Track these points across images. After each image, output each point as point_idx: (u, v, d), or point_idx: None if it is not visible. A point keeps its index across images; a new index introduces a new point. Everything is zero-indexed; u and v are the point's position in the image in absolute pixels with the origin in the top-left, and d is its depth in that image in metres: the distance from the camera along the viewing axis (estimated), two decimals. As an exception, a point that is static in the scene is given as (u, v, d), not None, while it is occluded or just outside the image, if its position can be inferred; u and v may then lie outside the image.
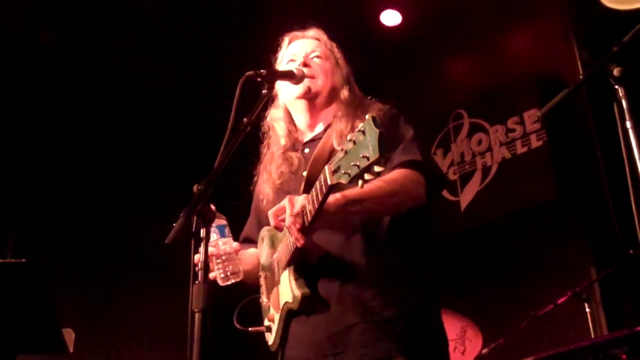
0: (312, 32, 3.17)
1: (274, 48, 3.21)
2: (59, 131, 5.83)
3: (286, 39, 3.18)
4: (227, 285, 2.74)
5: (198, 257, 2.24)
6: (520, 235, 6.02)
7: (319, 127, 3.02)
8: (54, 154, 5.76)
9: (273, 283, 2.85)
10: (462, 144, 6.82)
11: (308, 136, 3.05)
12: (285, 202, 2.54)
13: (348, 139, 2.14)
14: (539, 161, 6.20)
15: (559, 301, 4.76)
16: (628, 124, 2.27)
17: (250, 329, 2.98)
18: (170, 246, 2.21)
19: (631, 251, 4.60)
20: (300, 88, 2.94)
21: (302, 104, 3.00)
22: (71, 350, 3.22)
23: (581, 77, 2.42)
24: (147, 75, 6.40)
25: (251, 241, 3.18)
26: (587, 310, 4.79)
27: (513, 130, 6.45)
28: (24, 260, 2.86)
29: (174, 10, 5.94)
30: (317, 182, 2.36)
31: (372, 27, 6.23)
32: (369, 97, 3.05)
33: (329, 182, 2.24)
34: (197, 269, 2.20)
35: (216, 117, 5.75)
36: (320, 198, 2.35)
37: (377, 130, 2.03)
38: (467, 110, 6.87)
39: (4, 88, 5.56)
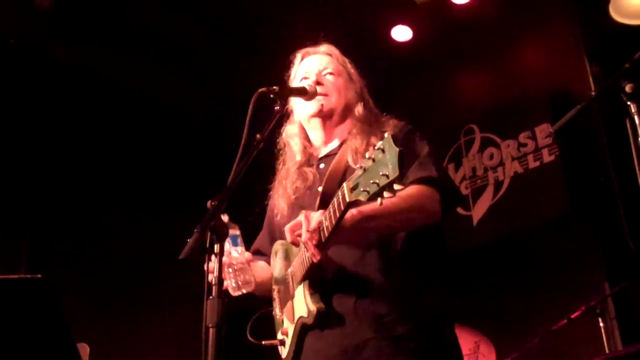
0: (324, 47, 3.18)
1: (287, 64, 3.22)
2: (73, 145, 5.86)
3: (298, 56, 3.19)
4: (239, 295, 2.76)
5: (212, 266, 2.25)
6: (533, 250, 6.00)
7: (334, 143, 3.03)
8: (68, 167, 5.79)
9: (287, 297, 2.86)
10: (473, 158, 6.81)
11: (323, 152, 3.06)
12: (301, 217, 2.55)
13: (367, 156, 2.15)
14: (551, 176, 6.18)
15: (573, 316, 4.75)
16: (641, 140, 2.28)
17: (263, 342, 2.98)
18: (185, 261, 2.22)
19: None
20: (314, 106, 2.96)
21: (317, 122, 3.02)
22: (86, 365, 3.22)
23: (593, 92, 2.43)
24: (160, 91, 6.43)
25: (262, 254, 3.20)
26: (601, 325, 4.77)
27: (525, 145, 6.45)
28: (39, 275, 2.87)
29: (187, 26, 5.98)
30: (335, 199, 2.37)
31: (383, 42, 6.26)
32: (384, 114, 3.06)
33: (347, 200, 2.26)
34: (211, 283, 2.21)
35: (230, 133, 5.78)
36: (337, 215, 2.37)
37: (397, 149, 2.05)
38: (478, 125, 6.87)
39: (19, 102, 5.60)
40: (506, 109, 6.63)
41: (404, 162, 2.05)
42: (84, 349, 3.21)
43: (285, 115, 3.15)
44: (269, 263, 3.14)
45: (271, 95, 2.67)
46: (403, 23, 6.19)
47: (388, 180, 2.05)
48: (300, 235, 2.54)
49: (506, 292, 5.93)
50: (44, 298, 2.84)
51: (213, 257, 2.35)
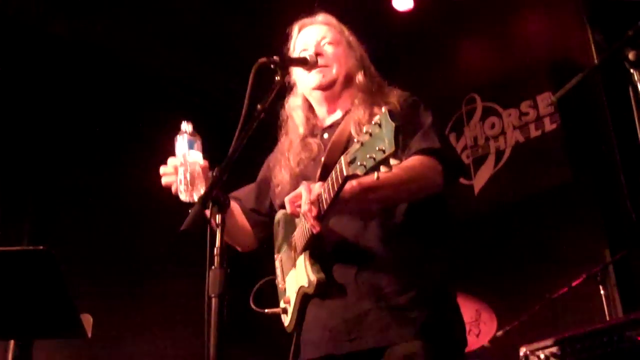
0: (321, 17, 3.15)
1: (286, 36, 3.21)
2: (74, 119, 5.85)
3: (296, 27, 3.16)
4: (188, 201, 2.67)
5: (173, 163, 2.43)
6: (534, 218, 6.02)
7: (338, 113, 3.02)
8: (69, 143, 5.78)
9: (289, 266, 2.88)
10: (475, 127, 6.81)
11: (327, 122, 3.05)
12: (301, 188, 2.56)
13: (364, 130, 2.16)
14: (552, 145, 6.18)
15: (574, 283, 4.77)
16: (644, 108, 2.27)
17: (266, 310, 3.00)
18: (187, 232, 2.23)
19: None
20: (315, 78, 2.95)
21: (319, 94, 3.02)
22: (89, 335, 3.24)
23: (596, 60, 2.42)
24: (160, 64, 6.41)
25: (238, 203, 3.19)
26: (602, 292, 4.78)
27: (526, 114, 6.44)
28: (42, 247, 2.88)
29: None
30: (333, 172, 2.38)
31: (384, 12, 6.22)
32: (387, 83, 3.04)
33: (345, 173, 2.26)
34: (214, 253, 2.22)
35: (231, 104, 5.77)
36: (336, 188, 2.38)
37: (394, 124, 2.06)
38: (479, 94, 6.86)
39: (19, 78, 5.58)
40: (508, 78, 6.60)
41: (404, 130, 2.05)
42: (87, 320, 3.23)
43: (288, 87, 3.15)
44: (244, 214, 3.16)
45: (271, 66, 2.66)
46: (404, -8, 6.14)
47: (384, 155, 2.07)
48: (300, 206, 2.55)
49: (507, 260, 5.96)
50: (47, 269, 2.86)
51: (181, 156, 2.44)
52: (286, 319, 2.88)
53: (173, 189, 2.73)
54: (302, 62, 2.90)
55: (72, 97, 5.87)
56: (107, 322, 4.76)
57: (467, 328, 4.83)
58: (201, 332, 2.13)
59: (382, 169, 2.11)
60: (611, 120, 5.63)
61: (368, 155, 2.12)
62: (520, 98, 6.53)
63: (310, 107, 3.13)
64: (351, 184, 2.41)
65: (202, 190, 2.63)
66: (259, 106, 2.52)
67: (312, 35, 3.07)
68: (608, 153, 5.67)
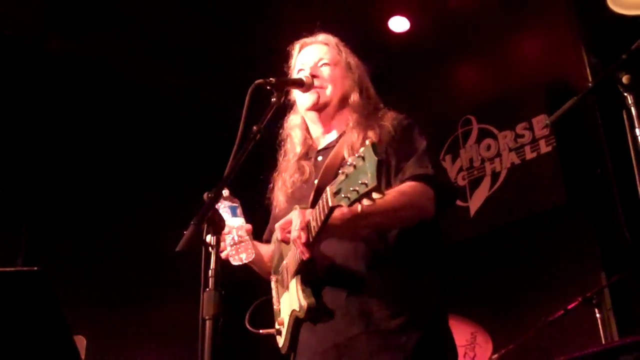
0: (322, 37, 3.17)
1: (284, 55, 3.22)
2: (69, 137, 5.85)
3: (297, 46, 3.18)
4: (239, 265, 2.79)
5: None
6: (530, 240, 6.01)
7: (332, 135, 3.03)
8: (64, 161, 5.78)
9: (283, 288, 2.88)
10: (471, 149, 6.82)
11: (322, 144, 3.07)
12: (292, 215, 2.60)
13: (349, 162, 2.18)
14: (548, 167, 6.20)
15: (569, 307, 4.75)
16: (637, 131, 2.27)
17: (261, 330, 3.00)
18: (181, 254, 2.22)
19: (641, 256, 4.60)
20: (309, 99, 2.97)
21: (313, 114, 3.03)
22: (83, 357, 3.22)
23: (590, 84, 2.42)
24: (156, 83, 6.42)
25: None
26: (598, 315, 4.77)
27: (522, 136, 6.45)
28: (35, 268, 2.87)
29: (183, 17, 5.95)
30: (320, 201, 2.41)
31: (381, 33, 6.24)
32: (383, 106, 3.04)
33: (330, 204, 2.29)
34: (208, 275, 2.22)
35: (227, 125, 5.77)
36: (322, 217, 2.41)
37: (376, 159, 2.08)
38: (475, 116, 6.87)
39: (14, 95, 5.59)
40: (503, 100, 6.63)
41: (400, 152, 2.05)
42: (81, 341, 3.21)
43: (288, 105, 3.16)
44: None
45: (268, 87, 2.67)
46: (400, 14, 6.16)
47: (366, 189, 2.09)
48: (289, 233, 2.57)
49: (503, 283, 5.94)
50: (40, 290, 2.84)
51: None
52: (280, 340, 2.89)
53: (223, 256, 2.76)
54: (298, 84, 2.91)
55: (67, 115, 5.87)
56: (101, 344, 4.74)
57: (463, 351, 4.86)
58: (195, 355, 2.12)
59: (366, 202, 2.13)
60: (606, 142, 5.65)
61: (351, 188, 2.14)
62: (516, 120, 6.54)
63: (307, 128, 3.14)
64: (341, 210, 2.41)
65: (251, 253, 2.78)
66: (254, 127, 2.52)
67: (310, 55, 3.09)
68: (603, 175, 5.68)
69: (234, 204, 2.80)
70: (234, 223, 2.77)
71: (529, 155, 6.36)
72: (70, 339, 3.06)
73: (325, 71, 3.02)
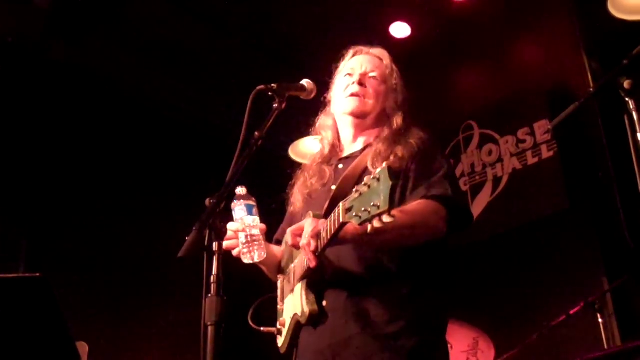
0: (378, 50, 3.19)
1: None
2: (72, 143, 5.86)
3: (351, 51, 3.20)
4: (251, 263, 2.77)
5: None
6: (532, 246, 6.01)
7: (358, 145, 3.04)
8: (67, 165, 5.79)
9: (288, 290, 2.90)
10: (472, 155, 6.82)
11: (346, 152, 3.08)
12: (305, 222, 2.62)
13: (364, 182, 2.21)
14: (549, 172, 6.20)
15: (572, 311, 4.75)
16: (639, 136, 2.27)
17: (262, 328, 3.01)
18: (183, 260, 2.22)
19: (643, 261, 4.60)
20: (350, 104, 2.98)
21: (349, 120, 3.04)
22: (85, 363, 3.23)
23: (591, 89, 2.43)
24: (158, 89, 6.43)
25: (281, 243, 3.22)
26: (600, 320, 4.77)
27: (523, 141, 6.46)
28: (37, 274, 2.87)
29: (185, 24, 5.96)
30: (333, 214, 2.42)
31: (382, 39, 6.23)
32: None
33: (341, 220, 2.32)
34: (210, 281, 2.22)
35: (229, 130, 5.78)
36: (332, 231, 2.43)
37: (391, 182, 2.11)
38: (477, 122, 6.88)
39: (16, 102, 5.60)
40: (505, 106, 6.64)
41: (419, 173, 2.16)
42: (83, 348, 3.22)
43: (322, 104, 3.17)
44: None
45: (270, 93, 2.67)
46: (401, 20, 6.17)
47: (378, 212, 2.12)
48: (300, 238, 2.59)
49: (505, 288, 5.94)
50: (42, 296, 2.84)
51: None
52: (280, 340, 2.91)
53: (235, 253, 2.79)
54: (300, 89, 2.91)
55: (70, 121, 5.88)
56: (103, 350, 4.74)
57: (465, 356, 4.86)
58: (197, 361, 2.12)
59: (377, 224, 2.15)
60: (608, 147, 5.65)
61: (363, 208, 2.17)
62: (517, 125, 6.55)
63: (337, 131, 3.14)
64: (353, 226, 2.41)
65: (263, 252, 2.75)
66: (256, 133, 2.52)
67: (362, 63, 3.11)
68: (605, 180, 5.68)
69: (251, 203, 2.78)
70: (249, 221, 2.74)
71: (531, 160, 6.36)
72: (73, 345, 3.06)
73: (373, 84, 3.04)
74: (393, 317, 2.62)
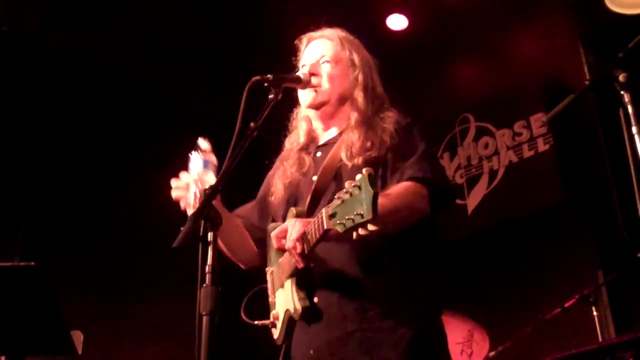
0: (327, 31, 3.12)
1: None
2: (68, 135, 5.85)
3: (304, 40, 3.15)
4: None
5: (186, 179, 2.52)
6: (527, 238, 6.03)
7: (333, 131, 3.02)
8: (61, 157, 5.78)
9: (278, 284, 2.88)
10: (468, 147, 6.83)
11: (322, 139, 3.05)
12: (288, 224, 2.61)
13: (345, 190, 2.21)
14: (545, 165, 6.21)
15: (567, 304, 4.77)
16: (634, 129, 2.28)
17: (256, 322, 2.99)
18: (178, 250, 2.22)
19: (638, 254, 4.61)
20: (307, 97, 2.96)
21: (313, 112, 3.02)
22: (80, 352, 3.23)
23: (587, 82, 2.42)
24: (155, 79, 6.42)
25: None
26: (595, 313, 4.79)
27: (520, 134, 6.47)
28: (32, 263, 2.87)
29: (182, 14, 5.95)
30: (316, 219, 2.43)
31: (379, 31, 6.23)
32: (388, 105, 3.00)
33: (325, 227, 2.35)
34: (205, 271, 2.22)
35: (224, 121, 5.78)
36: (317, 236, 2.45)
37: (372, 192, 2.12)
38: (473, 114, 6.89)
39: (12, 91, 5.59)
40: (501, 98, 6.64)
41: (397, 153, 2.08)
42: (78, 336, 3.22)
43: (281, 102, 3.15)
44: (248, 231, 3.11)
45: (265, 84, 2.66)
46: (398, 12, 6.16)
47: (362, 221, 2.14)
48: (285, 239, 2.60)
49: (500, 280, 5.96)
50: (37, 285, 2.85)
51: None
52: (275, 333, 2.89)
53: (182, 205, 2.75)
54: (296, 81, 2.90)
55: (65, 111, 5.87)
56: (98, 339, 4.74)
57: (460, 348, 4.87)
58: (192, 350, 2.12)
59: (361, 231, 2.17)
60: (604, 141, 5.66)
61: (347, 217, 2.19)
62: (513, 118, 6.56)
63: (311, 120, 3.13)
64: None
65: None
66: (252, 124, 2.52)
67: (313, 51, 3.07)
68: (601, 173, 5.69)
69: (210, 160, 2.71)
70: (204, 176, 2.67)
71: (527, 153, 6.38)
72: (67, 333, 3.07)
73: (325, 69, 2.99)
74: (389, 310, 2.61)
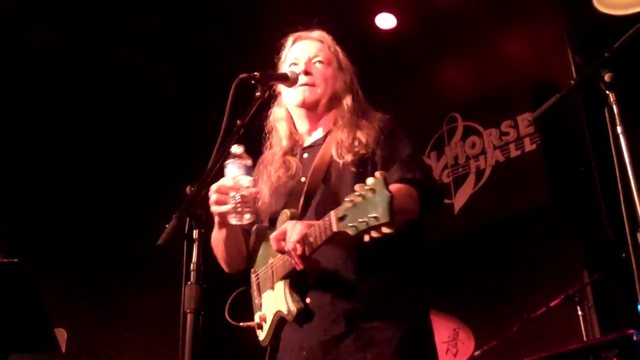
0: (317, 33, 3.13)
1: (271, 49, 3.19)
2: (53, 132, 5.81)
3: (290, 39, 3.13)
4: (237, 224, 2.72)
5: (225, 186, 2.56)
6: (514, 238, 6.04)
7: (318, 133, 3.02)
8: (47, 155, 5.74)
9: (266, 285, 2.87)
10: (456, 147, 6.84)
11: (307, 141, 3.04)
12: (286, 226, 2.59)
13: (357, 192, 2.20)
14: (532, 165, 6.23)
15: (552, 304, 4.80)
16: (619, 129, 2.29)
17: (241, 323, 2.98)
18: (163, 247, 2.21)
19: (623, 254, 4.63)
20: (298, 96, 2.94)
21: (301, 111, 3.00)
22: (64, 350, 3.21)
23: (573, 82, 2.43)
24: (141, 77, 6.39)
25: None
26: (580, 313, 4.81)
27: (507, 134, 6.48)
28: (15, 259, 2.86)
29: (169, 11, 5.93)
30: (322, 222, 2.43)
31: (367, 30, 6.24)
32: (371, 109, 3.01)
33: (334, 229, 2.33)
34: (189, 269, 2.21)
35: (210, 119, 5.76)
36: (323, 238, 2.43)
37: (388, 194, 2.12)
38: (461, 114, 6.90)
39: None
40: (489, 98, 6.66)
41: (384, 157, 2.08)
42: (62, 334, 3.20)
43: (273, 96, 3.13)
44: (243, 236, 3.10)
45: (252, 82, 2.65)
46: (387, 11, 6.17)
47: (377, 223, 2.13)
48: (284, 242, 2.58)
49: (486, 280, 5.97)
50: (21, 282, 2.83)
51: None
52: (261, 335, 2.89)
53: (223, 209, 2.70)
54: (283, 78, 2.88)
55: (52, 107, 5.83)
56: (82, 337, 4.72)
57: (445, 347, 4.88)
58: (177, 348, 2.12)
59: (374, 234, 2.16)
60: (590, 141, 5.68)
61: (360, 219, 2.17)
62: (501, 118, 6.58)
63: (293, 121, 3.11)
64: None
65: (252, 216, 2.69)
66: (238, 121, 2.51)
67: (305, 50, 3.05)
68: (587, 173, 5.71)
69: (248, 163, 2.72)
70: (245, 182, 2.67)
71: (514, 153, 6.39)
72: (51, 331, 3.06)
73: (319, 69, 2.99)
74: (381, 311, 2.63)
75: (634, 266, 2.37)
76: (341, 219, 2.26)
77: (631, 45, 2.35)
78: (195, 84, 6.61)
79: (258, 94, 2.64)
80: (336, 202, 2.39)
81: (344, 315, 2.63)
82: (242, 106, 2.58)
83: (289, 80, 2.87)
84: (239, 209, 2.65)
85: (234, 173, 2.69)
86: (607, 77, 2.29)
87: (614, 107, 2.29)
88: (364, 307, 2.64)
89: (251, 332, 2.97)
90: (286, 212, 2.76)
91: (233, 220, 2.69)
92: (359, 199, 2.19)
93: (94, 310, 5.54)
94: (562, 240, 5.75)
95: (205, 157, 2.45)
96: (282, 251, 2.64)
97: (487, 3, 6.04)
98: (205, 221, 2.31)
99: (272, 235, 2.65)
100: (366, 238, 2.19)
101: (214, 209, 2.72)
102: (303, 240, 2.52)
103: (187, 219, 2.25)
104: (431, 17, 6.16)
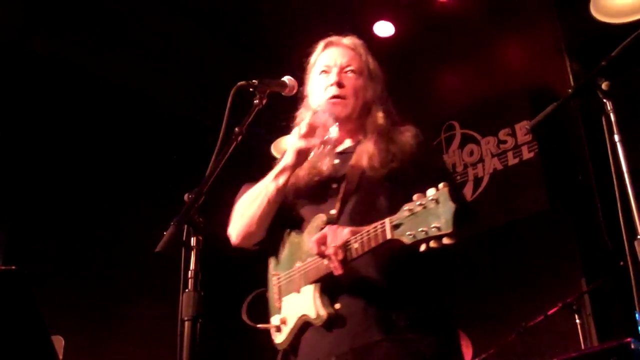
0: (348, 39, 3.08)
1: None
2: (51, 138, 5.82)
3: (321, 44, 3.09)
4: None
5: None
6: (511, 246, 6.04)
7: (347, 142, 2.98)
8: (45, 162, 5.74)
9: (290, 288, 2.83)
10: (453, 154, 6.84)
11: (338, 147, 2.98)
12: (327, 230, 2.59)
13: (417, 202, 2.20)
14: (530, 172, 6.23)
15: (550, 312, 4.79)
16: (616, 137, 2.29)
17: (258, 325, 2.96)
18: (161, 254, 2.21)
19: (621, 263, 4.62)
20: (333, 110, 2.86)
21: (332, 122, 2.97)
22: (61, 357, 3.20)
23: (570, 90, 2.44)
24: (139, 84, 6.39)
25: None
26: (578, 321, 4.81)
27: (505, 142, 6.49)
28: (13, 267, 2.85)
29: (166, 19, 5.95)
30: (372, 229, 2.42)
31: (366, 38, 6.20)
32: (400, 119, 2.99)
33: (389, 236, 2.33)
34: (187, 276, 2.21)
35: (208, 126, 5.76)
36: (372, 245, 2.43)
37: (454, 205, 2.12)
38: (459, 122, 6.91)
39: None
40: (487, 106, 6.67)
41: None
42: (59, 341, 3.19)
43: (300, 99, 3.07)
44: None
45: (250, 89, 2.65)
46: (385, 19, 6.18)
47: (439, 233, 2.13)
48: (326, 247, 2.56)
49: (483, 287, 5.97)
50: (18, 289, 2.82)
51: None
52: (279, 337, 2.84)
53: (310, 145, 2.74)
54: (281, 86, 2.87)
55: (50, 114, 5.83)
56: (79, 344, 4.72)
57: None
58: (174, 355, 2.11)
59: (433, 244, 2.16)
60: (588, 149, 5.69)
61: (420, 228, 2.18)
62: (499, 126, 6.58)
63: None
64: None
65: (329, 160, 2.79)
66: (236, 129, 2.51)
67: (336, 57, 3.01)
68: (585, 182, 5.71)
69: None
70: (333, 132, 2.74)
71: (512, 161, 6.40)
72: (48, 338, 3.04)
73: (350, 80, 2.95)
74: (415, 322, 2.61)
75: (632, 274, 2.37)
76: (395, 227, 2.27)
77: (628, 53, 2.36)
78: (194, 92, 6.61)
79: (256, 101, 2.64)
80: (370, 212, 2.43)
81: (376, 324, 2.61)
82: (240, 113, 2.59)
83: (287, 88, 2.85)
84: (322, 148, 2.70)
85: (325, 118, 2.74)
86: (604, 86, 2.29)
87: (612, 115, 2.29)
88: (397, 316, 2.61)
89: (254, 336, 2.94)
90: (322, 217, 2.73)
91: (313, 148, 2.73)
92: (419, 209, 2.19)
93: (91, 317, 5.53)
94: (560, 248, 5.76)
95: (203, 164, 2.45)
96: (322, 255, 2.62)
97: (485, 11, 6.05)
98: (203, 228, 2.31)
99: (313, 239, 2.62)
100: (422, 247, 2.20)
101: (300, 142, 2.74)
102: (344, 245, 2.52)
103: (186, 226, 2.25)
104: (429, 26, 6.18)
